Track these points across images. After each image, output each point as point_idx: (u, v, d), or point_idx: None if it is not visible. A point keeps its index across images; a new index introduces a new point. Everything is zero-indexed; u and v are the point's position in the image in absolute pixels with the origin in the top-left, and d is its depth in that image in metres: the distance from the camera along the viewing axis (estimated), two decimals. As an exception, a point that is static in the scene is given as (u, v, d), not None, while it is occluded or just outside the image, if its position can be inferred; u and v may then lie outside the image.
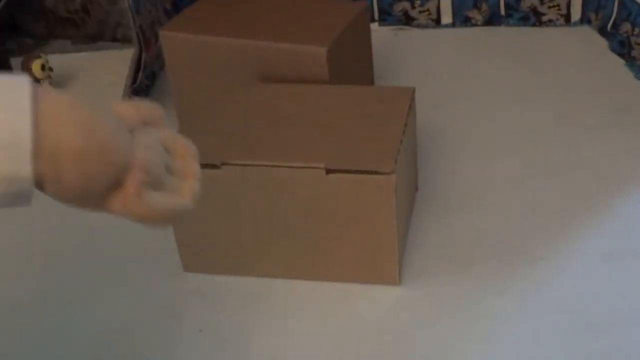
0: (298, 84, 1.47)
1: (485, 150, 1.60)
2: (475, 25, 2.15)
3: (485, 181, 1.50)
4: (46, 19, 2.16)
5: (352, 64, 1.67)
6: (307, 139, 1.26)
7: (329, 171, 1.17)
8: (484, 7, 2.13)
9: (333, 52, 1.51)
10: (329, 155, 1.19)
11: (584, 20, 2.10)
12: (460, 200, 1.45)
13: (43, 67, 1.82)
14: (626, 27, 1.91)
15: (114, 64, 1.91)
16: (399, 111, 1.31)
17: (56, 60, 1.89)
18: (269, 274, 1.29)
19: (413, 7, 2.15)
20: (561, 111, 1.72)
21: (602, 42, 2.00)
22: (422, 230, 1.38)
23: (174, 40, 1.66)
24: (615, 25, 1.96)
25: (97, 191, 0.51)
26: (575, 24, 2.11)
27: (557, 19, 2.12)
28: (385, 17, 2.17)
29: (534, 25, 2.13)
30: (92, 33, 2.13)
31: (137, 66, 1.82)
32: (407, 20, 2.17)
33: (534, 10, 2.11)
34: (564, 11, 2.11)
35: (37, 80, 1.75)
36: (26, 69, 1.79)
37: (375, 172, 1.16)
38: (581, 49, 2.00)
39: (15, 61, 1.93)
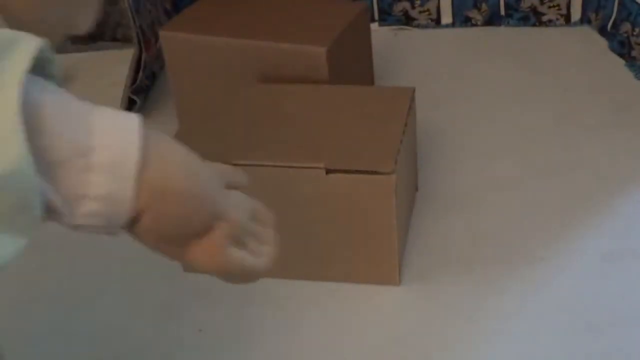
0: (298, 84, 1.47)
1: (485, 150, 1.60)
2: (475, 25, 2.15)
3: (485, 181, 1.50)
4: (46, 19, 2.16)
5: (352, 64, 1.67)
6: (307, 139, 1.26)
7: (329, 171, 1.17)
8: (484, 7, 2.13)
9: (333, 52, 1.51)
10: (329, 155, 1.19)
11: (584, 20, 2.10)
12: (460, 200, 1.45)
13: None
14: (626, 27, 1.91)
15: (114, 64, 1.91)
16: (399, 111, 1.31)
17: (56, 60, 1.89)
18: (269, 274, 1.29)
19: (413, 7, 2.15)
20: (561, 111, 1.72)
21: (602, 42, 2.00)
22: (422, 230, 1.38)
23: (174, 40, 1.66)
24: (615, 25, 1.96)
25: (186, 234, 0.52)
26: (575, 24, 2.11)
27: (557, 19, 2.12)
28: (385, 17, 2.17)
29: (534, 25, 2.13)
30: (92, 33, 2.12)
31: (137, 66, 1.82)
32: (407, 20, 2.17)
33: (534, 10, 2.11)
34: (564, 11, 2.11)
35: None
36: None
37: (375, 172, 1.16)
38: (581, 49, 2.00)
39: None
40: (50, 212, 0.46)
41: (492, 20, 2.14)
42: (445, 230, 1.38)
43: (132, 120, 0.48)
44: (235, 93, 1.41)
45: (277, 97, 1.40)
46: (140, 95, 1.82)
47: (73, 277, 1.35)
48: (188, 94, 1.68)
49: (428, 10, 2.15)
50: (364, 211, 1.20)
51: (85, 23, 0.61)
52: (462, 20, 2.15)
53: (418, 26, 2.17)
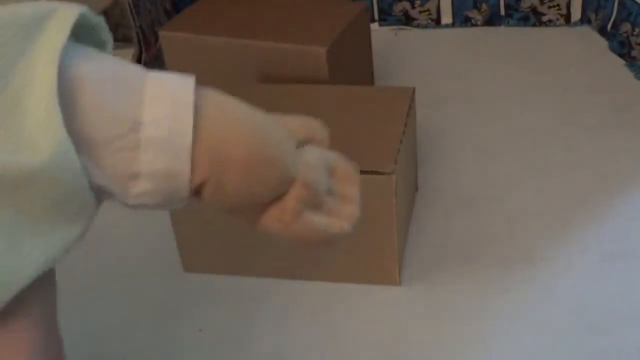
0: (298, 84, 1.47)
1: (485, 150, 1.60)
2: (475, 25, 2.15)
3: (485, 181, 1.50)
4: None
5: (352, 64, 1.67)
6: (307, 139, 1.25)
7: (329, 171, 1.17)
8: (484, 7, 2.13)
9: (333, 52, 1.51)
10: (329, 155, 1.19)
11: (584, 20, 2.11)
12: (460, 200, 1.45)
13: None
14: (626, 27, 1.91)
15: (114, 63, 1.91)
16: (399, 111, 1.31)
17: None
18: (269, 274, 1.29)
19: (413, 7, 2.15)
20: (561, 111, 1.72)
21: (602, 42, 2.00)
22: (422, 230, 1.38)
23: (174, 40, 1.66)
24: (615, 25, 1.97)
25: (256, 202, 0.48)
26: (575, 24, 2.11)
27: (557, 19, 2.12)
28: (385, 17, 2.17)
29: (534, 25, 2.13)
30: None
31: (137, 66, 1.82)
32: (407, 20, 2.17)
33: (534, 10, 2.11)
34: (564, 11, 2.11)
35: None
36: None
37: (375, 172, 1.16)
38: (581, 49, 2.00)
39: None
40: (102, 194, 0.42)
41: (492, 20, 2.14)
42: (445, 230, 1.38)
43: (185, 84, 0.43)
44: (235, 93, 1.40)
45: (277, 97, 1.40)
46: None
47: (73, 277, 1.35)
48: (188, 94, 1.68)
49: (428, 10, 2.15)
50: (364, 211, 1.19)
51: (104, 1, 0.57)
52: (462, 20, 2.15)
53: (418, 26, 2.17)
